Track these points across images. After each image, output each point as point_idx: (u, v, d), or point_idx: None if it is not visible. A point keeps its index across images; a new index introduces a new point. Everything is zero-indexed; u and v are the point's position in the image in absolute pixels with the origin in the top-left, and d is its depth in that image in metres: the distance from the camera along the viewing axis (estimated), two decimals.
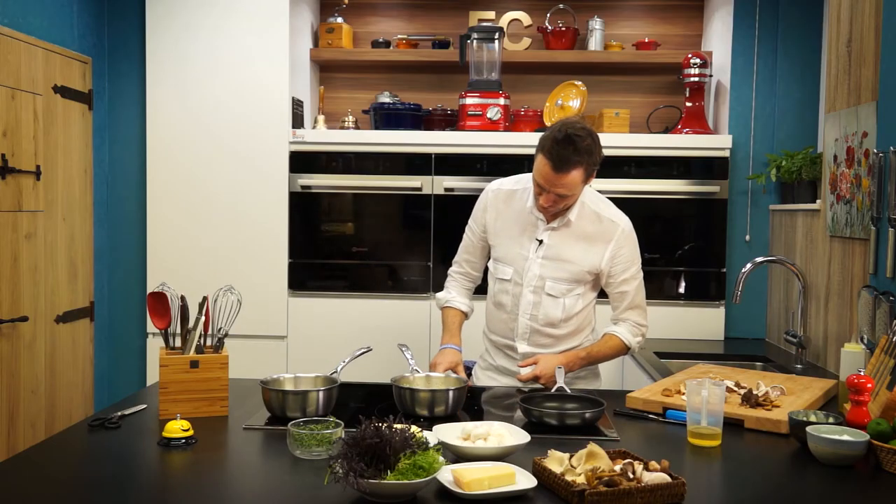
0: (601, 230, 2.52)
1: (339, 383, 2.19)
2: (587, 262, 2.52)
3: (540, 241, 2.53)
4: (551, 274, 2.52)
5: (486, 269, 2.73)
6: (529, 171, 2.52)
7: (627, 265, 2.54)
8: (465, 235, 2.72)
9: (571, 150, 2.33)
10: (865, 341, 2.48)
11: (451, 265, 2.78)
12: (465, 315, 2.72)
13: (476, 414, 2.24)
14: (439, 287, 2.79)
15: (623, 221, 2.55)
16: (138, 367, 4.01)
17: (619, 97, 4.15)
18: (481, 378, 2.70)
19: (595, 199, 2.58)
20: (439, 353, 2.57)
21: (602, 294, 2.66)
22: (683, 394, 2.30)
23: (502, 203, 2.61)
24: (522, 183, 2.60)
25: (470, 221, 2.70)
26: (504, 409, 2.34)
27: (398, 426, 1.63)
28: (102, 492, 1.66)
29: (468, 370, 2.74)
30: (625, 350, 2.59)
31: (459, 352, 2.58)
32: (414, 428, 1.67)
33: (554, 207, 2.44)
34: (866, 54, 2.73)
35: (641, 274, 2.60)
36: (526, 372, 2.46)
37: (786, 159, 3.54)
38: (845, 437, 1.85)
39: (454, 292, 2.73)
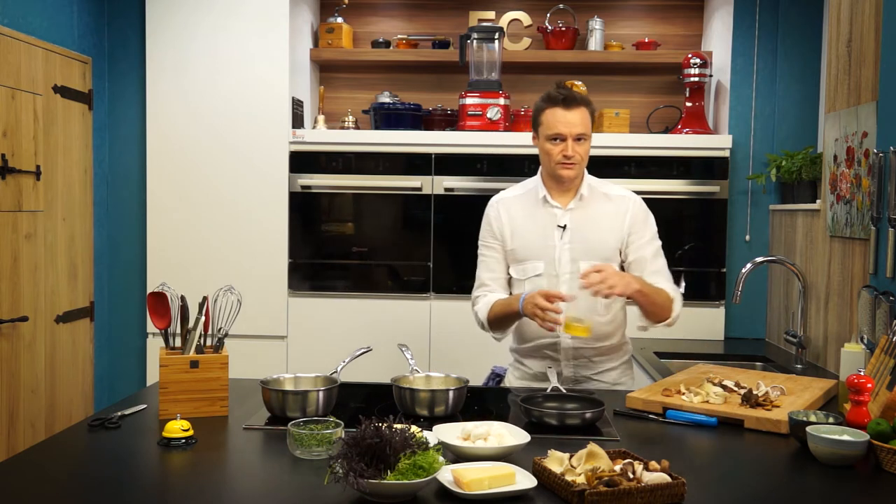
0: (615, 207, 2.57)
1: (339, 383, 2.19)
2: (612, 236, 2.54)
3: (563, 227, 2.54)
4: (582, 256, 2.51)
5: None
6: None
7: (643, 229, 2.55)
8: (480, 259, 2.64)
9: (572, 93, 2.49)
10: (865, 341, 2.47)
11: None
12: None
13: (476, 414, 2.24)
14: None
15: (632, 195, 2.61)
16: (138, 367, 4.01)
17: (619, 97, 4.15)
18: (515, 385, 2.66)
19: (600, 182, 2.63)
20: (528, 297, 2.38)
21: None
22: (683, 394, 2.31)
23: (513, 209, 2.61)
24: (526, 187, 2.64)
25: (482, 242, 2.64)
26: (503, 410, 2.34)
27: (398, 426, 1.63)
28: (102, 492, 1.65)
29: (499, 377, 2.72)
30: (669, 304, 2.47)
31: None
32: (414, 428, 1.67)
33: (576, 156, 2.47)
34: (866, 54, 2.73)
35: (659, 243, 2.59)
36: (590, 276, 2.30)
37: (786, 159, 3.54)
38: (845, 437, 1.85)
39: (491, 295, 2.59)
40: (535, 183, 2.61)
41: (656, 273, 2.53)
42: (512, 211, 2.60)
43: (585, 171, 2.59)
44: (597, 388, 2.55)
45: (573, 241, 2.53)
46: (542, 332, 2.53)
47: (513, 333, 2.67)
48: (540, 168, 2.60)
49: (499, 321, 2.55)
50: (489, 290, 2.61)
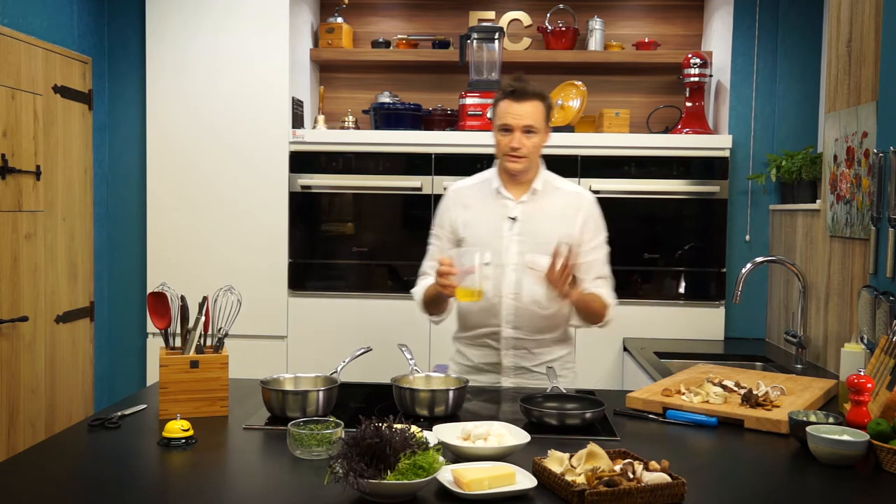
0: (568, 202, 2.59)
1: (339, 383, 2.19)
2: (563, 230, 2.52)
3: (513, 219, 2.55)
4: (530, 249, 2.53)
5: None
6: None
7: (595, 232, 2.58)
8: (429, 246, 2.70)
9: (524, 85, 2.49)
10: (865, 341, 2.48)
11: None
12: None
13: (476, 414, 2.24)
14: None
15: (586, 192, 2.65)
16: (138, 367, 4.01)
17: (619, 97, 4.15)
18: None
19: (554, 177, 2.64)
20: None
21: None
22: (683, 394, 2.31)
23: (467, 197, 2.64)
24: (482, 176, 2.67)
25: (433, 230, 2.69)
26: (504, 410, 2.34)
27: (398, 426, 1.63)
28: (102, 492, 1.65)
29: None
30: (603, 311, 2.53)
31: None
32: (414, 428, 1.67)
33: (523, 149, 2.48)
34: (866, 54, 2.73)
35: (608, 249, 2.61)
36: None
37: (786, 159, 3.54)
38: (845, 437, 1.85)
39: (427, 279, 2.64)
40: (490, 174, 2.64)
41: (601, 278, 2.58)
42: (466, 200, 2.64)
43: (543, 167, 2.61)
44: (537, 381, 2.56)
45: (522, 232, 2.54)
46: (482, 321, 2.60)
47: (457, 321, 2.70)
48: (496, 160, 2.62)
49: (430, 302, 2.60)
50: (428, 278, 2.64)
